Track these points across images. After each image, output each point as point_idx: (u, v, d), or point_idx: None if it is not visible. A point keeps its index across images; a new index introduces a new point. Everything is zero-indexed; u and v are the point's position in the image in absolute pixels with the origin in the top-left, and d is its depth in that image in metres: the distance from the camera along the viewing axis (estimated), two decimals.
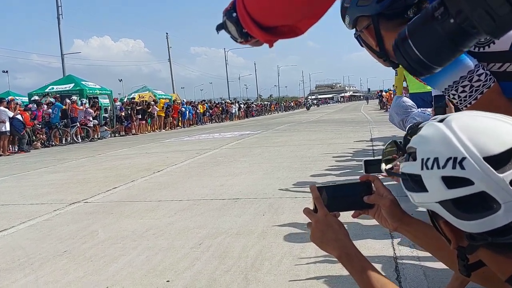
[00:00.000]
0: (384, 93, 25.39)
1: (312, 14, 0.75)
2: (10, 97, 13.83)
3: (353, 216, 0.92)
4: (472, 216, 0.60)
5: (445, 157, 0.61)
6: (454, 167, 0.60)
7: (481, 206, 0.59)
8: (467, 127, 0.62)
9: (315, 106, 61.05)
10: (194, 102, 26.66)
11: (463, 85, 1.04)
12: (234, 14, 0.74)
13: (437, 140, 0.63)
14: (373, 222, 2.61)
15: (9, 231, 3.09)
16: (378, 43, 1.07)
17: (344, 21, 1.14)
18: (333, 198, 0.89)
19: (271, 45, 0.77)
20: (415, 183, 0.65)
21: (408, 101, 3.08)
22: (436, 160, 0.62)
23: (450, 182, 0.60)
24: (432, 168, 0.62)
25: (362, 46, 1.17)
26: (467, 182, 0.59)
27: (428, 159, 0.63)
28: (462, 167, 0.59)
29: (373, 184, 0.89)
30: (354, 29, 1.14)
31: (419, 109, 3.03)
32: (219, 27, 0.77)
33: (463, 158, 0.59)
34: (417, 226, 0.86)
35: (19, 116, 11.44)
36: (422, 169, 0.63)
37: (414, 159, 0.65)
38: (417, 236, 0.86)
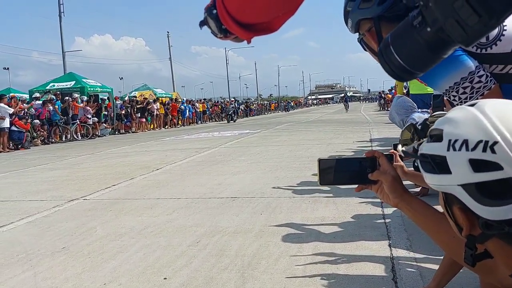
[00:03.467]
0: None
1: (287, 11, 0.78)
2: (11, 94, 13.84)
3: (356, 190, 0.93)
4: (495, 202, 0.59)
5: (476, 140, 0.60)
6: (484, 150, 0.59)
7: (507, 193, 0.58)
8: (501, 112, 0.61)
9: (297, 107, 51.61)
10: (193, 100, 26.67)
11: (463, 86, 1.05)
12: (214, 11, 0.78)
13: (468, 122, 0.62)
14: (370, 223, 2.64)
15: (8, 227, 3.10)
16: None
17: (347, 25, 1.15)
18: (339, 171, 0.91)
19: (249, 42, 0.80)
20: (437, 165, 0.64)
21: (409, 101, 3.10)
22: (465, 142, 0.60)
23: (478, 165, 0.59)
24: (460, 149, 0.61)
25: (365, 50, 1.18)
26: (496, 166, 0.58)
27: (456, 140, 0.62)
28: (493, 151, 0.58)
29: (378, 161, 0.89)
30: (357, 33, 1.15)
31: (419, 110, 3.06)
32: (202, 23, 0.81)
33: (495, 142, 0.58)
34: (417, 206, 0.86)
35: (14, 128, 11.40)
36: (448, 150, 0.62)
37: (439, 140, 0.64)
38: (415, 215, 0.86)
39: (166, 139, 11.50)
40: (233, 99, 30.39)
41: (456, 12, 0.60)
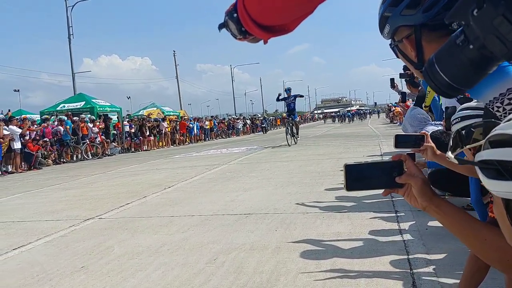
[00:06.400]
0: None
1: (306, 12, 0.82)
2: (23, 116, 14.12)
3: (383, 194, 0.93)
4: None
5: None
6: None
7: None
8: None
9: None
10: (201, 118, 26.92)
11: (509, 98, 1.06)
12: (235, 15, 0.83)
13: None
14: (387, 238, 2.63)
15: (27, 247, 3.14)
16: (418, 54, 1.06)
17: (382, 30, 1.12)
18: (366, 176, 0.91)
19: (266, 42, 0.86)
20: (508, 171, 0.64)
21: (423, 113, 3.13)
22: None
23: None
24: None
25: (397, 56, 1.15)
26: None
27: None
28: None
29: (404, 164, 0.90)
30: (391, 39, 1.12)
31: (432, 122, 3.08)
32: (221, 26, 0.87)
33: None
34: (447, 209, 0.85)
35: (26, 149, 11.62)
36: None
37: (509, 146, 0.64)
38: (445, 218, 0.85)
39: (176, 157, 11.57)
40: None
41: (496, 28, 0.63)
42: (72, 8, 21.49)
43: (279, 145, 11.20)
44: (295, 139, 12.30)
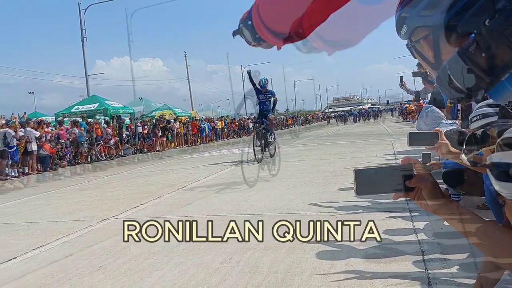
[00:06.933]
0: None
1: (314, 24, 0.84)
2: (40, 118, 14.40)
3: (394, 198, 0.93)
4: None
5: None
6: None
7: None
8: None
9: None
10: (213, 118, 27.05)
11: None
12: (250, 22, 0.85)
13: None
14: (402, 238, 2.62)
15: (46, 248, 3.22)
16: (435, 54, 1.05)
17: (399, 31, 1.12)
18: (375, 180, 0.91)
19: (279, 48, 0.89)
20: None
21: (438, 112, 3.11)
22: None
23: None
24: None
25: (414, 57, 1.14)
26: None
27: None
28: None
29: (413, 167, 0.90)
30: (408, 39, 1.11)
31: (448, 121, 3.07)
32: (235, 33, 0.90)
33: None
34: (457, 211, 0.86)
35: (42, 151, 11.86)
36: None
37: None
38: (455, 221, 0.86)
39: (188, 157, 11.67)
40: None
41: (507, 38, 0.65)
42: (85, 11, 21.81)
43: (285, 145, 11.22)
44: (269, 150, 8.59)
